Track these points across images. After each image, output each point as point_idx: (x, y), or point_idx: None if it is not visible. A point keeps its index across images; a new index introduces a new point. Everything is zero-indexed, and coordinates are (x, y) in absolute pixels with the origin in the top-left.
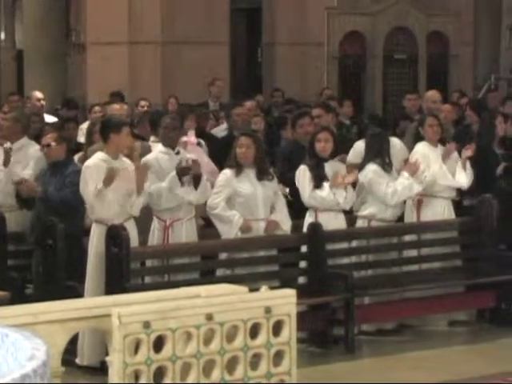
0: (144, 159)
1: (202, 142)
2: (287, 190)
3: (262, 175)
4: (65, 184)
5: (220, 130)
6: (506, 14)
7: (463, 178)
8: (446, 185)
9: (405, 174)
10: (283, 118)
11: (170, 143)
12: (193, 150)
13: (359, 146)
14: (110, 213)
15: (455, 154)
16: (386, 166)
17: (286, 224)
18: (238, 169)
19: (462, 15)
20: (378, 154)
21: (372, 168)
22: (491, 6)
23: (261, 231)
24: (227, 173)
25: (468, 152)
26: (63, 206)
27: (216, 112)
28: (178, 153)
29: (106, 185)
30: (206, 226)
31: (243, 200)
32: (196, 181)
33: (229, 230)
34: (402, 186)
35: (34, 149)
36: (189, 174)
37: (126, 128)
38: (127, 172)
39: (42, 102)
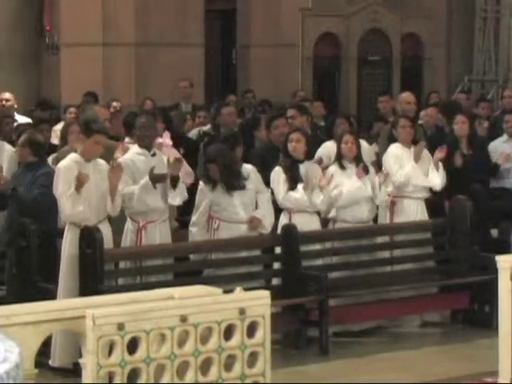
0: (119, 160)
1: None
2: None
3: (232, 188)
4: (35, 185)
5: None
6: (478, 16)
7: (437, 179)
8: (419, 185)
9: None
10: (256, 118)
11: (147, 143)
12: (167, 151)
13: (326, 146)
14: (82, 215)
15: (428, 155)
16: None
17: (267, 219)
18: (213, 184)
19: (435, 17)
20: (339, 155)
21: (330, 169)
22: (464, 8)
23: (242, 233)
24: (202, 186)
25: (441, 153)
26: (33, 207)
27: (188, 113)
28: (153, 154)
29: (78, 190)
30: (180, 227)
31: (222, 207)
32: (173, 183)
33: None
34: (330, 194)
35: (8, 149)
36: (164, 182)
37: (96, 136)
38: (98, 174)
39: (11, 103)
